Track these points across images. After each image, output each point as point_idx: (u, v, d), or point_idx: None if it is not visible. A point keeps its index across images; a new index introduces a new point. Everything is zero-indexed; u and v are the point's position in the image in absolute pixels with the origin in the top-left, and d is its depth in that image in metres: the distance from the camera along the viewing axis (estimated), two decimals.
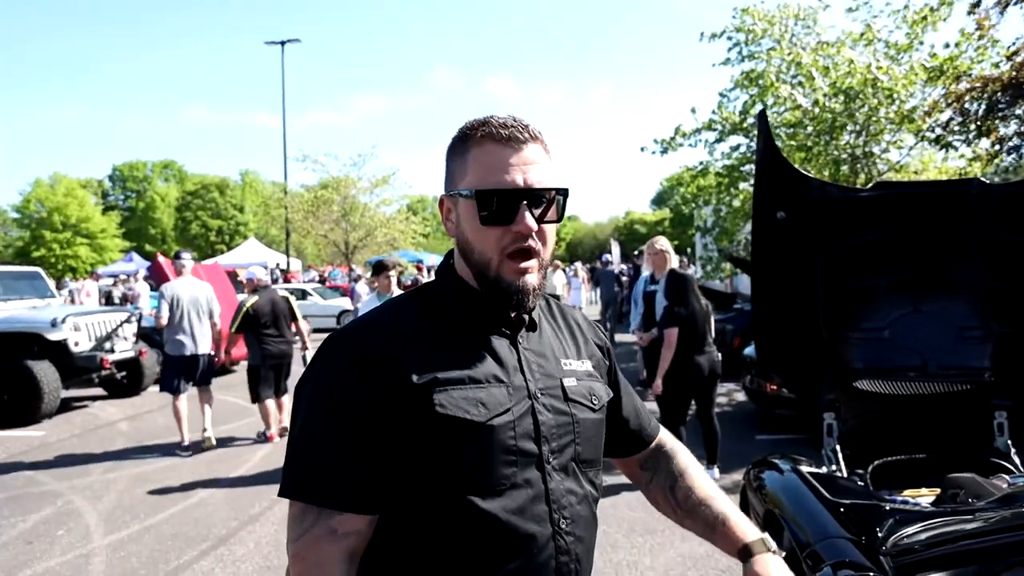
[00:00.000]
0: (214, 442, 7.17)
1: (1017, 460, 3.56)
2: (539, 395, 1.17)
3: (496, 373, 1.14)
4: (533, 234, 1.13)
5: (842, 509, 2.57)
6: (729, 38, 12.93)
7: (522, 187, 1.12)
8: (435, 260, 23.16)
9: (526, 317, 1.22)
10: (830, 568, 1.96)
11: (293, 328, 7.54)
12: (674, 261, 6.10)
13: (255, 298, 7.22)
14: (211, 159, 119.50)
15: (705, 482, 1.40)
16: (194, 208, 53.77)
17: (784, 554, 1.29)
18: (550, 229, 1.17)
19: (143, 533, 4.93)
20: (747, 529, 1.30)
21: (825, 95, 11.44)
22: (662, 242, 6.15)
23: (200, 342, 7.14)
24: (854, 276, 3.61)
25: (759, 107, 12.41)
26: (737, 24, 12.78)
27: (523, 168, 1.14)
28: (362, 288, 14.83)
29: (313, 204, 24.12)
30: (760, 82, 12.40)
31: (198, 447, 7.11)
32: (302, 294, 13.97)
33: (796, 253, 3.57)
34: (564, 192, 1.17)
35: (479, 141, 1.15)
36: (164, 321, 7.01)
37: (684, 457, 1.45)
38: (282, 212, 26.14)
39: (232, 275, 13.81)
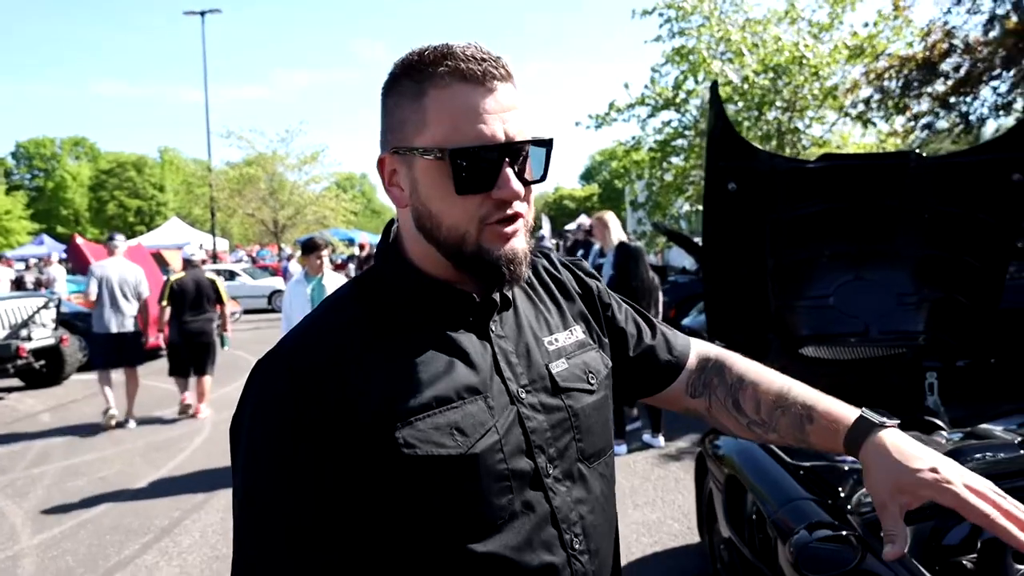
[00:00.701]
0: (113, 424, 7.27)
1: (946, 417, 3.77)
2: (522, 396, 0.95)
3: (469, 383, 0.91)
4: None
5: (802, 472, 2.65)
6: (660, 15, 13.06)
7: (503, 141, 0.87)
8: (367, 238, 22.76)
9: (496, 298, 0.98)
10: (805, 530, 2.01)
11: (218, 309, 7.64)
12: (619, 234, 6.16)
13: (181, 275, 7.43)
14: (127, 136, 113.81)
15: (769, 378, 1.18)
16: (109, 187, 51.16)
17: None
18: (532, 189, 0.94)
19: (78, 529, 4.70)
20: (842, 410, 1.10)
21: (754, 71, 11.73)
22: (607, 216, 6.21)
23: (126, 321, 7.21)
24: (801, 246, 3.72)
25: (690, 82, 12.63)
26: (668, 1, 12.91)
27: (502, 116, 0.88)
28: (295, 267, 14.46)
29: (239, 182, 23.33)
30: (691, 58, 12.60)
31: (121, 422, 7.33)
32: (230, 275, 13.51)
33: (746, 223, 3.64)
34: (549, 143, 0.94)
35: (441, 79, 0.87)
36: (92, 298, 7.10)
37: (734, 364, 1.20)
38: (205, 191, 25.18)
39: (157, 256, 13.26)
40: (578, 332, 1.08)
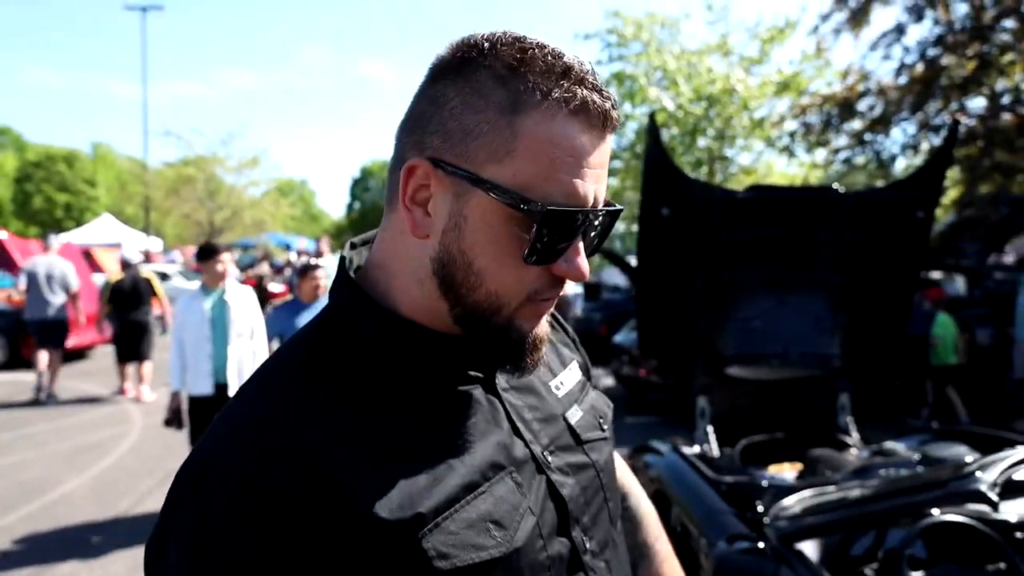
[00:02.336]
0: (43, 396, 8.06)
1: (857, 436, 4.03)
2: (548, 458, 0.76)
3: (491, 457, 0.70)
4: None
5: (724, 487, 2.81)
6: (601, 39, 13.44)
7: (591, 205, 0.68)
8: (304, 244, 22.40)
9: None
10: (724, 542, 2.15)
11: (154, 302, 8.50)
12: None
13: (120, 276, 8.24)
14: (57, 128, 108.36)
15: (667, 559, 1.04)
16: (36, 180, 48.70)
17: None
18: None
19: None
20: None
21: (688, 100, 12.18)
22: None
23: (52, 310, 8.06)
24: (728, 270, 3.93)
25: (628, 106, 13.02)
26: (608, 27, 13.30)
27: (598, 175, 0.68)
28: (231, 269, 14.16)
29: (176, 182, 22.70)
30: (628, 83, 13.00)
31: (52, 398, 8.08)
32: (163, 276, 13.09)
33: (677, 247, 3.83)
34: (619, 214, 0.73)
35: (551, 106, 0.64)
36: (22, 287, 8.14)
37: (653, 525, 1.06)
38: (140, 189, 24.37)
39: (87, 254, 12.79)
40: (576, 370, 0.91)
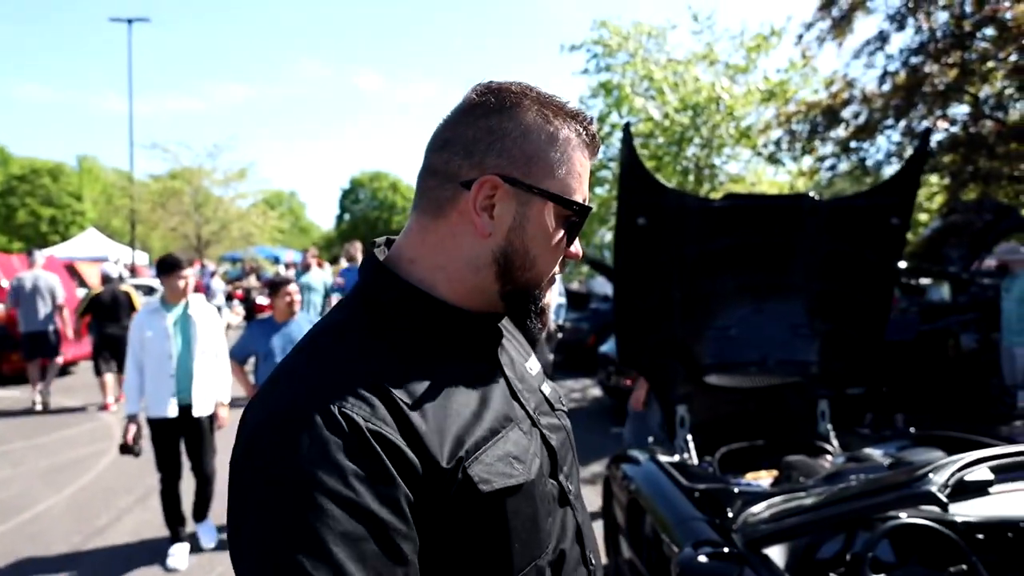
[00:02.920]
0: (39, 407, 8.48)
1: (836, 442, 4.04)
2: (539, 418, 0.97)
3: (504, 411, 0.91)
4: None
5: (697, 494, 2.81)
6: (588, 50, 13.51)
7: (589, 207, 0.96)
8: (292, 257, 22.35)
9: (502, 329, 1.00)
10: (690, 548, 2.16)
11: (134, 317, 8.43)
12: None
13: (100, 290, 8.43)
14: (42, 142, 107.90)
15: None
16: (20, 194, 48.48)
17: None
18: None
19: None
20: None
21: (675, 109, 12.25)
22: None
23: (42, 321, 8.53)
24: (706, 279, 3.94)
25: (615, 116, 13.08)
26: (595, 37, 13.38)
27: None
28: (217, 284, 14.07)
29: (162, 195, 22.62)
30: (615, 93, 13.06)
31: (45, 404, 8.54)
32: (148, 290, 13.06)
33: (655, 256, 3.84)
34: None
35: (581, 140, 0.92)
36: (9, 304, 8.61)
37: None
38: (126, 202, 24.25)
39: (70, 268, 12.74)
40: (535, 360, 1.12)
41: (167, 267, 4.18)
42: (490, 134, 0.88)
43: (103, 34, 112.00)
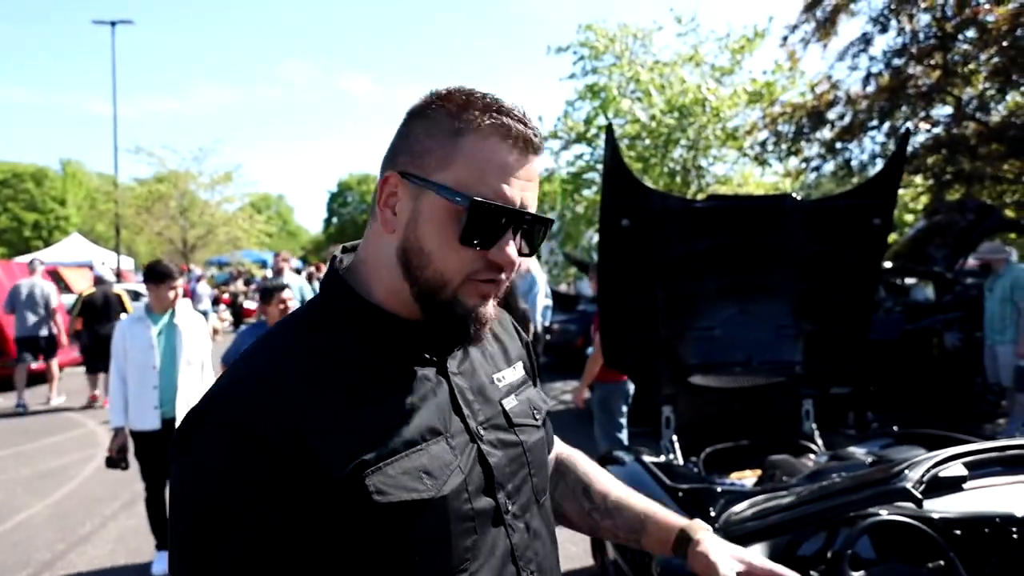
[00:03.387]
0: (53, 404, 9.16)
1: (820, 441, 4.07)
2: (482, 433, 0.95)
3: (431, 424, 0.89)
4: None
5: (680, 493, 2.83)
6: (575, 52, 13.55)
7: (518, 208, 0.89)
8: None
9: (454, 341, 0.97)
10: None
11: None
12: (532, 263, 6.38)
13: (92, 291, 8.83)
14: (25, 145, 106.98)
15: (617, 483, 1.27)
16: (3, 199, 48.02)
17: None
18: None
19: None
20: (675, 518, 1.20)
21: (661, 111, 12.30)
22: None
23: (36, 326, 9.00)
24: (690, 279, 3.95)
25: (602, 118, 13.12)
26: (581, 40, 13.42)
27: (524, 184, 0.89)
28: (203, 289, 13.99)
29: (147, 199, 22.46)
30: (602, 95, 13.10)
31: (26, 409, 8.86)
32: (135, 295, 12.97)
33: (639, 257, 3.85)
34: (550, 223, 0.97)
35: (483, 130, 0.87)
36: (6, 310, 9.08)
37: (585, 461, 1.30)
38: (110, 207, 24.07)
39: (54, 274, 12.64)
40: (520, 369, 1.11)
41: (157, 276, 4.04)
42: (405, 137, 0.91)
43: (86, 37, 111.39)
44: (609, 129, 3.76)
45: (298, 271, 15.51)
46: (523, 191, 0.89)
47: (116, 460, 4.07)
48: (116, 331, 4.11)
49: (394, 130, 0.95)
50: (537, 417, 1.07)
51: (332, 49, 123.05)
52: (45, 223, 48.12)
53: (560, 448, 1.29)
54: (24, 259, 14.47)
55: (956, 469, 1.79)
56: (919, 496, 1.69)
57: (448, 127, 0.87)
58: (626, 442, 5.31)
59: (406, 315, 0.91)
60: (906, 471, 1.75)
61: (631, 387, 5.38)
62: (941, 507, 1.90)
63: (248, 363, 0.89)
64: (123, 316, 8.92)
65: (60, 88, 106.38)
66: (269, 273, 17.13)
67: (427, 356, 0.94)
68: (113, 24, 23.02)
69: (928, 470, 1.73)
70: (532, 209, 0.91)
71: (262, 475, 0.78)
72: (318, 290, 0.99)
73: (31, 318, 8.99)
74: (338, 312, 0.93)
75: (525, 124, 0.89)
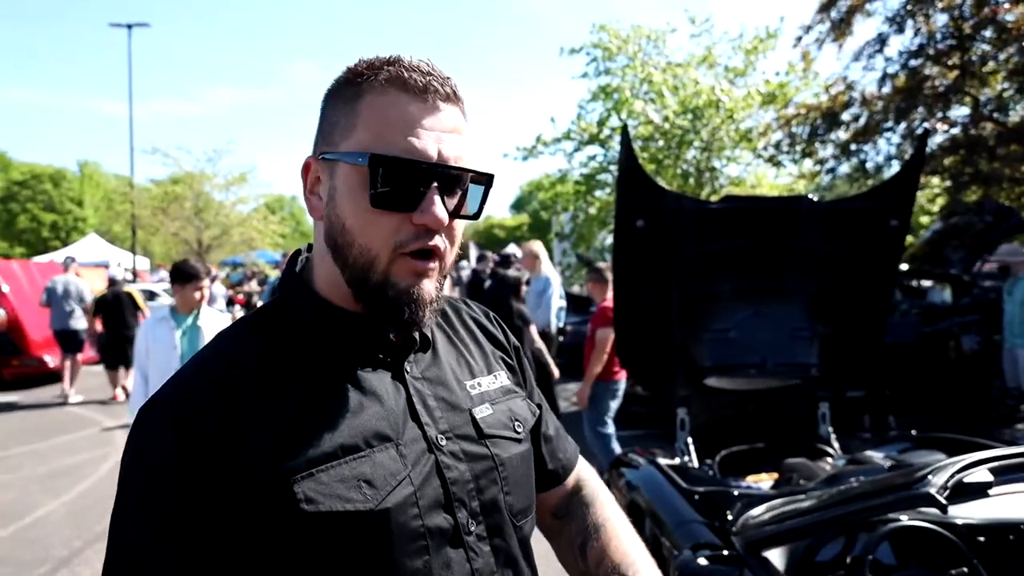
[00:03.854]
0: (70, 400, 9.34)
1: (836, 445, 4.02)
2: (441, 442, 0.85)
3: (378, 429, 0.81)
4: (442, 231, 0.81)
5: (696, 496, 2.80)
6: (587, 54, 13.53)
7: (435, 161, 0.79)
8: None
9: (416, 336, 0.89)
10: (689, 550, 2.15)
11: (139, 317, 9.30)
12: (548, 265, 6.37)
13: (104, 291, 9.45)
14: (43, 147, 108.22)
15: (626, 541, 1.04)
16: (22, 199, 48.50)
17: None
18: (460, 226, 0.86)
19: None
20: None
21: (675, 112, 12.25)
22: (536, 246, 6.41)
23: (70, 321, 9.42)
24: (704, 281, 3.93)
25: (615, 119, 13.10)
26: (594, 40, 13.40)
27: (439, 135, 0.80)
28: (218, 289, 14.09)
29: (163, 200, 22.63)
30: (615, 96, 13.07)
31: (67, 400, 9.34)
32: (150, 295, 13.08)
33: (653, 259, 3.83)
34: (489, 179, 0.86)
35: (380, 86, 0.80)
36: (44, 303, 9.48)
37: (604, 506, 1.09)
38: (127, 207, 24.28)
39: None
40: (503, 378, 0.99)
41: (184, 276, 3.94)
42: (320, 119, 0.87)
43: (103, 39, 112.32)
44: (624, 130, 3.75)
45: None
46: (439, 143, 0.80)
47: None
48: (139, 331, 4.02)
49: None
50: (519, 430, 0.95)
51: (343, 50, 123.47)
52: (63, 224, 48.59)
53: (583, 479, 1.13)
54: (43, 259, 14.64)
55: (981, 475, 1.76)
56: (944, 502, 1.66)
57: (348, 94, 0.82)
58: (613, 440, 5.30)
59: (350, 308, 0.85)
60: (930, 476, 1.73)
61: (622, 386, 5.38)
62: (963, 513, 1.87)
63: (200, 357, 0.86)
64: (139, 315, 9.03)
65: (77, 90, 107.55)
66: (278, 273, 17.23)
67: (382, 358, 0.86)
68: (130, 27, 23.22)
69: (953, 475, 1.70)
70: (462, 163, 0.82)
71: (191, 465, 0.75)
72: None
73: (66, 312, 9.49)
74: (287, 308, 0.88)
75: (422, 71, 0.81)
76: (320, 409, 0.80)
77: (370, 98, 0.80)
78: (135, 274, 15.45)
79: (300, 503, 0.74)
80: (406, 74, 0.80)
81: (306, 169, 0.87)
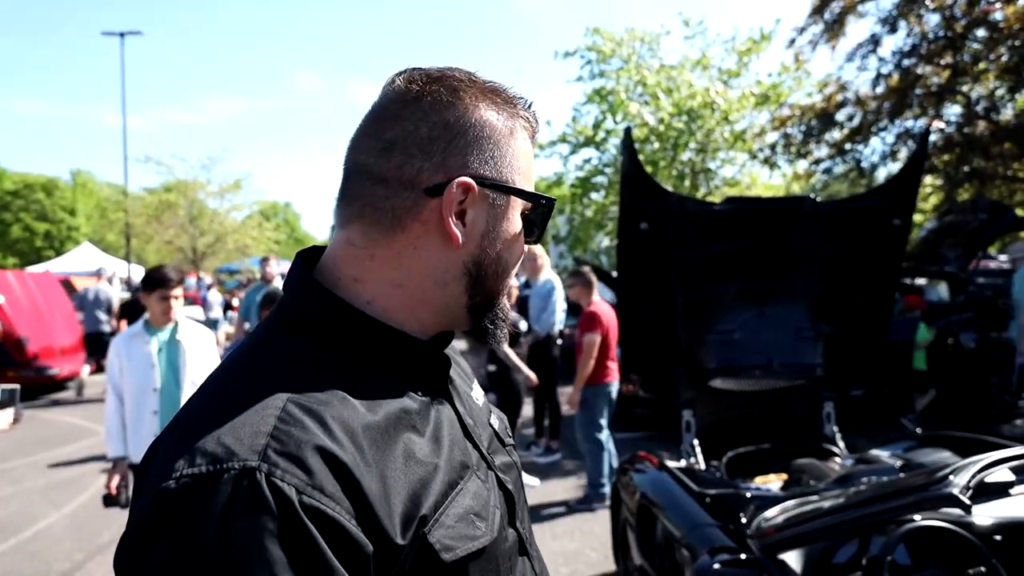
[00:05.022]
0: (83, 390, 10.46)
1: (842, 444, 4.03)
2: (492, 459, 0.84)
3: (460, 458, 0.76)
4: None
5: (708, 499, 2.79)
6: (582, 56, 13.55)
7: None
8: (286, 267, 22.22)
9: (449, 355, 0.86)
10: (707, 555, 2.14)
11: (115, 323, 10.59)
12: (548, 268, 6.36)
13: (130, 296, 10.53)
14: (35, 156, 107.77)
15: None
16: (15, 209, 48.24)
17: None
18: None
19: None
20: None
21: (669, 114, 12.28)
22: (535, 249, 6.38)
23: (101, 326, 10.59)
24: (708, 282, 3.93)
25: (610, 122, 13.11)
26: (588, 44, 13.43)
27: None
28: (214, 297, 14.04)
29: (157, 208, 22.55)
30: (610, 99, 13.10)
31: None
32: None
33: (657, 261, 3.83)
34: None
35: (527, 133, 0.83)
36: (77, 308, 10.87)
37: None
38: (120, 216, 24.18)
39: (66, 283, 12.77)
40: (477, 386, 0.99)
41: (152, 283, 3.46)
42: (447, 130, 0.76)
43: (96, 48, 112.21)
44: (627, 133, 3.75)
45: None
46: None
47: (115, 497, 3.48)
48: (111, 349, 3.53)
49: None
50: (511, 433, 0.98)
51: (338, 58, 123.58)
52: (56, 233, 48.38)
53: None
54: (38, 269, 14.63)
55: (1003, 474, 1.76)
56: (967, 502, 1.66)
57: (504, 126, 0.79)
58: (607, 444, 5.30)
59: (419, 333, 0.79)
60: (951, 476, 1.72)
61: (615, 388, 5.37)
62: (982, 512, 1.87)
63: (266, 402, 0.66)
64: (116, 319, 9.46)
65: (71, 100, 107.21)
66: (279, 280, 17.07)
67: (433, 379, 0.80)
68: (122, 35, 23.16)
69: (975, 475, 1.70)
70: None
71: (320, 559, 0.58)
72: (276, 307, 0.81)
73: (97, 318, 10.59)
74: (347, 338, 0.75)
75: (537, 119, 0.86)
76: (414, 444, 0.72)
77: (522, 137, 0.82)
78: (129, 283, 15.40)
79: (439, 553, 0.67)
80: (535, 125, 0.85)
81: (456, 188, 0.75)
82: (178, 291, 3.50)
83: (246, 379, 0.70)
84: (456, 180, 0.75)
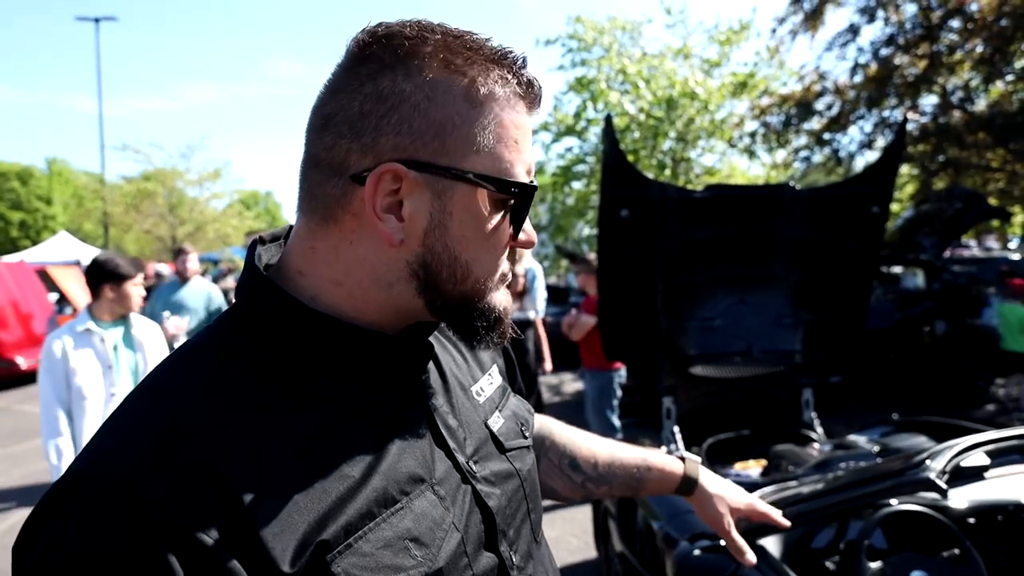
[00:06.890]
0: None
1: (821, 430, 4.07)
2: (474, 468, 0.73)
3: (409, 470, 0.66)
4: None
5: None
6: (563, 44, 13.50)
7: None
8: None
9: (434, 343, 0.76)
10: (687, 542, 2.15)
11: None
12: (529, 257, 6.37)
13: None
14: (9, 144, 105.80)
15: (598, 441, 1.13)
16: None
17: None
18: None
19: None
20: (671, 464, 1.14)
21: (649, 103, 12.30)
22: None
23: None
24: (689, 269, 3.94)
25: (591, 111, 13.10)
26: (570, 32, 13.38)
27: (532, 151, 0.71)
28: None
29: (135, 197, 22.26)
30: (591, 87, 13.08)
31: None
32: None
33: (638, 248, 3.83)
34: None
35: (507, 97, 0.67)
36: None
37: (559, 428, 1.12)
38: (98, 205, 23.86)
39: (42, 273, 12.58)
40: (496, 375, 0.88)
41: (105, 274, 2.97)
42: (381, 102, 0.63)
43: (71, 34, 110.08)
44: (608, 120, 3.74)
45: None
46: (532, 159, 0.71)
47: None
48: (51, 346, 2.97)
49: None
50: (527, 434, 0.85)
51: (318, 45, 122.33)
52: (32, 222, 47.60)
53: (538, 418, 1.11)
54: (12, 258, 14.43)
55: (978, 458, 1.78)
56: (944, 486, 1.68)
57: (462, 90, 0.64)
58: (618, 427, 5.38)
59: (371, 327, 0.69)
60: (927, 461, 1.74)
61: (623, 375, 5.43)
62: (957, 496, 1.89)
63: (162, 408, 0.60)
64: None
65: (46, 87, 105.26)
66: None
67: (396, 375, 0.70)
68: (97, 20, 22.74)
69: (951, 460, 1.72)
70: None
71: (169, 564, 0.52)
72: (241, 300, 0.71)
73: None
74: (282, 324, 0.66)
75: (532, 79, 0.69)
76: (340, 456, 0.62)
77: (501, 105, 0.66)
78: None
79: None
80: (532, 80, 0.68)
81: (380, 177, 0.63)
82: (136, 280, 3.06)
83: (169, 375, 0.65)
84: (381, 167, 0.63)
